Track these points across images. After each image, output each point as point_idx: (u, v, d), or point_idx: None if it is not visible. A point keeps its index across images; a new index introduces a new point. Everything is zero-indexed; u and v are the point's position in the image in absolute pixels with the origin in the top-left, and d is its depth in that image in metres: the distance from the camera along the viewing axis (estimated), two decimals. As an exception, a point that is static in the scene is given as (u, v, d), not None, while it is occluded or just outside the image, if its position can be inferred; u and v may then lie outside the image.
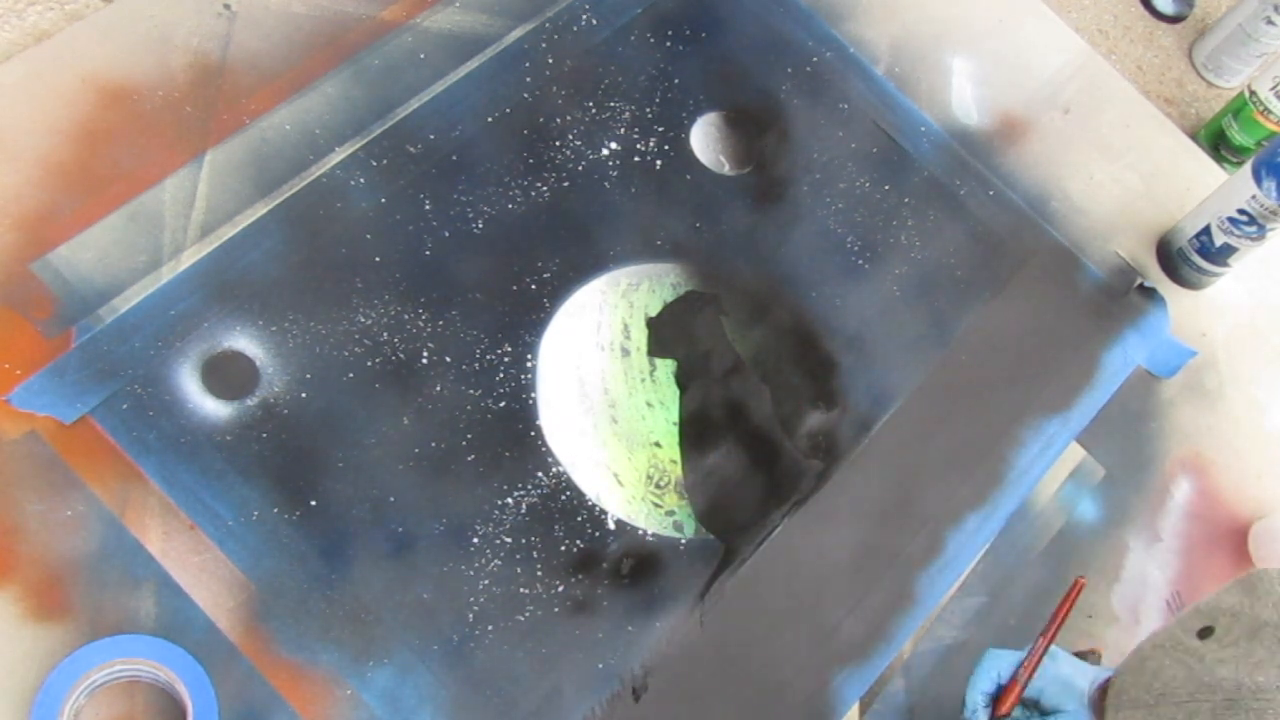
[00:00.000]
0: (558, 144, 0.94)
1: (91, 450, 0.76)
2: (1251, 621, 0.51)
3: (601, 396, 0.87)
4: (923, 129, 1.03)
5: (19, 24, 0.88)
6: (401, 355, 0.84)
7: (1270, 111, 1.14)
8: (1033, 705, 0.68)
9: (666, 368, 0.90)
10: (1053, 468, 0.94)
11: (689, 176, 0.96)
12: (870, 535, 0.88)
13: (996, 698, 0.68)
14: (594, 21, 0.98)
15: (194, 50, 0.89)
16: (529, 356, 0.87)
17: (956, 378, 0.94)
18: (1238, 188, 0.96)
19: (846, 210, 0.98)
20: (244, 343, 0.82)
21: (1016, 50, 1.10)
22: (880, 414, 0.92)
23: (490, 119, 0.93)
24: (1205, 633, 0.52)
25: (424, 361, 0.84)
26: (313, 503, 0.79)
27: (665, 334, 0.90)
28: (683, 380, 0.89)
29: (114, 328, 0.79)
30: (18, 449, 0.75)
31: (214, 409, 0.79)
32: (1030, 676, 0.67)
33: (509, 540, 0.81)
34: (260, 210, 0.85)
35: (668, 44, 1.00)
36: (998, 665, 0.68)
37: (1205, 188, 1.03)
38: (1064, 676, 0.66)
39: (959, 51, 1.08)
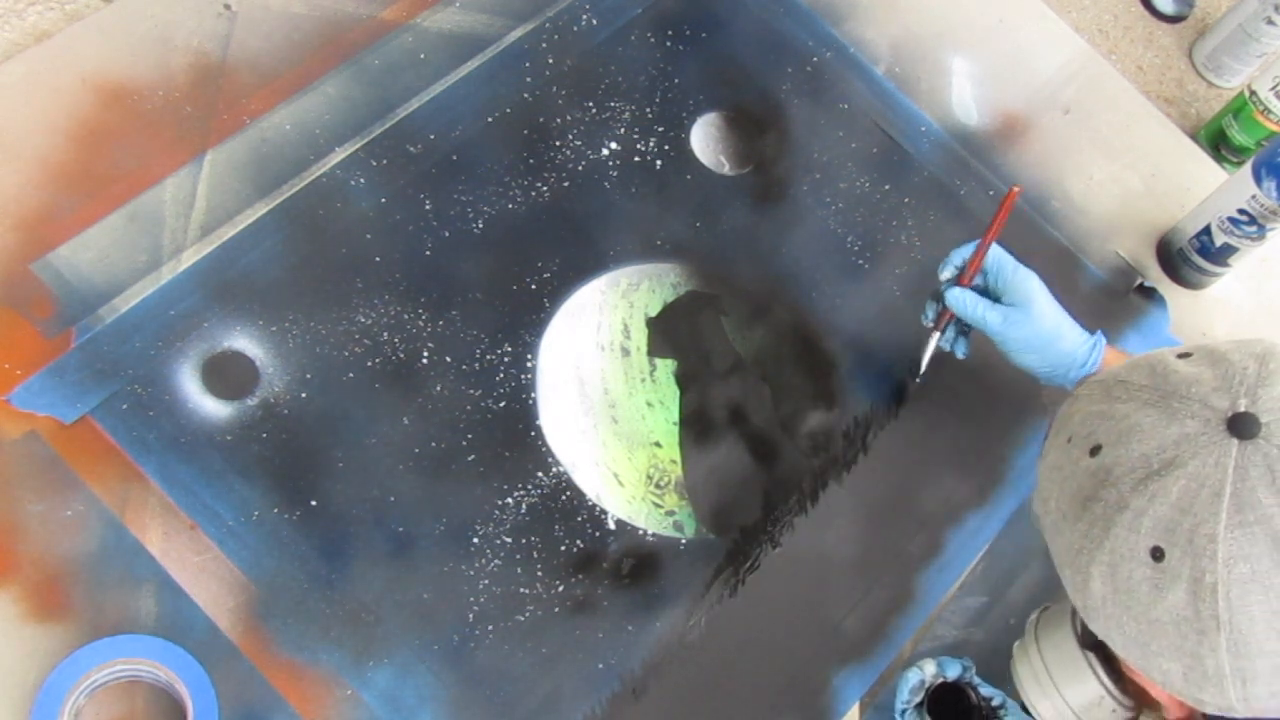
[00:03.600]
0: (558, 144, 0.94)
1: (92, 450, 0.76)
2: (1216, 353, 0.59)
3: (601, 396, 0.87)
4: (923, 129, 1.03)
5: (19, 24, 0.88)
6: (401, 355, 0.84)
7: (1270, 111, 1.14)
8: (994, 298, 0.85)
9: (666, 368, 0.90)
10: (1053, 468, 0.94)
11: (689, 176, 0.96)
12: (870, 535, 0.88)
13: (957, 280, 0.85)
14: (594, 21, 0.98)
15: (194, 50, 0.89)
16: (529, 356, 0.87)
17: (957, 378, 0.94)
18: (1238, 188, 0.96)
19: (846, 210, 0.98)
20: (244, 343, 0.82)
21: (1016, 50, 1.10)
22: (880, 414, 0.92)
23: (490, 119, 0.93)
24: (1184, 356, 0.61)
25: (424, 361, 0.84)
26: (313, 503, 0.79)
27: (665, 334, 0.90)
28: (683, 380, 0.89)
29: (114, 328, 0.79)
30: (18, 449, 0.75)
31: (214, 409, 0.79)
32: (982, 257, 0.83)
33: (509, 540, 0.81)
34: (260, 210, 0.85)
35: (668, 44, 1.00)
36: (962, 253, 0.85)
37: (1205, 188, 1.03)
38: (1023, 287, 0.82)
39: (959, 51, 1.08)
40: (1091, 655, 0.65)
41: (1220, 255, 0.99)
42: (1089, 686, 0.65)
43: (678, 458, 0.87)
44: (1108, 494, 0.57)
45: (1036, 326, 0.82)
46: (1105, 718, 0.66)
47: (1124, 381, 0.60)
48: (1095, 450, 0.58)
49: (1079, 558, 0.58)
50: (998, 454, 0.93)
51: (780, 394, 0.91)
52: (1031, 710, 0.69)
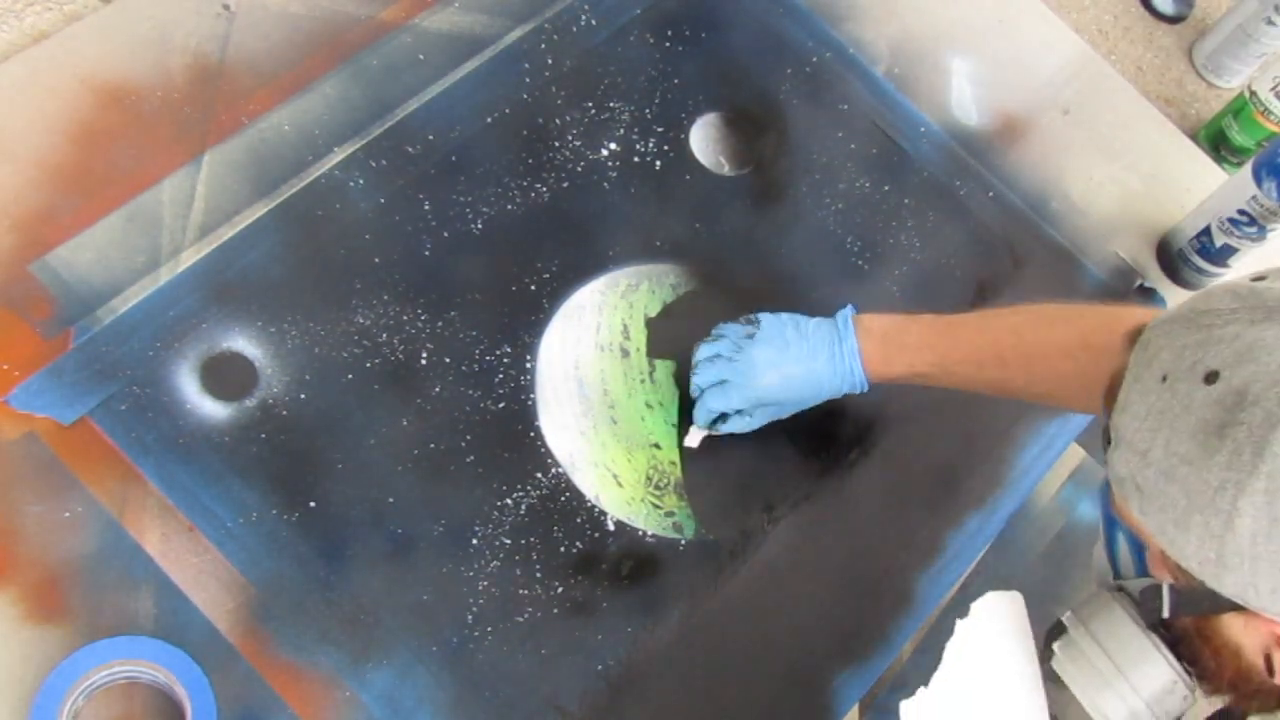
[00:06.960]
0: (557, 145, 0.93)
1: (90, 451, 0.76)
2: None
3: (601, 398, 0.87)
4: (922, 129, 1.03)
5: (17, 25, 0.88)
6: (401, 356, 0.84)
7: (1270, 112, 1.14)
8: None
9: (666, 369, 0.89)
10: (1053, 468, 0.94)
11: (689, 177, 0.96)
12: (870, 536, 0.88)
13: None
14: (593, 22, 0.98)
15: (193, 51, 0.88)
16: (528, 357, 0.86)
17: (956, 378, 0.94)
18: (1238, 188, 0.96)
19: (846, 210, 0.98)
20: (242, 343, 0.81)
21: (1016, 50, 1.10)
22: (881, 414, 0.92)
23: (489, 119, 0.92)
24: (1258, 279, 0.59)
25: (423, 362, 0.84)
26: (312, 504, 0.78)
27: (665, 335, 0.90)
28: (682, 382, 0.89)
29: (112, 328, 0.79)
30: (16, 450, 0.75)
31: (212, 410, 0.79)
32: None
33: (508, 541, 0.81)
34: (259, 211, 0.85)
35: (667, 44, 1.00)
36: None
37: (1205, 188, 1.03)
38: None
39: (958, 52, 1.08)
40: (1155, 637, 0.62)
41: (1220, 256, 0.99)
42: (1159, 670, 0.62)
43: (677, 459, 0.87)
44: (1249, 415, 0.51)
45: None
46: (1176, 706, 0.62)
47: (1209, 310, 0.57)
48: (1211, 377, 0.54)
49: (1219, 497, 0.52)
50: (998, 455, 0.93)
51: (780, 395, 0.90)
52: (1091, 709, 0.64)
